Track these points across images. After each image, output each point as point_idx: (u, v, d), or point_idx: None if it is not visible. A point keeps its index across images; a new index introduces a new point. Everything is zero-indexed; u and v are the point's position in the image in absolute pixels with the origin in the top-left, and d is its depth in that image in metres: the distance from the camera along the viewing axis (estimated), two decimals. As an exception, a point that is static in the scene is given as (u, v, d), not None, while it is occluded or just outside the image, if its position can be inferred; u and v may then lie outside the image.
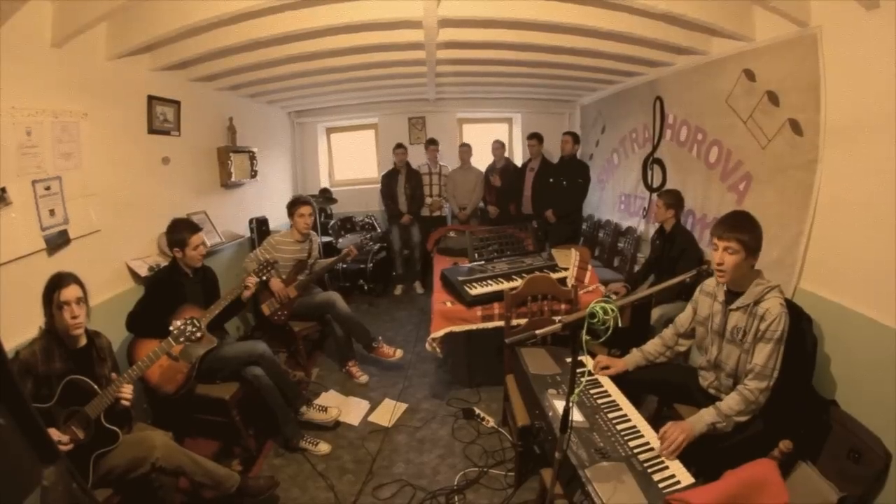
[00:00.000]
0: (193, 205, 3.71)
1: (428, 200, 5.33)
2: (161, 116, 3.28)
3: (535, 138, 5.00)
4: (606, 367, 2.13)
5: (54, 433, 1.64)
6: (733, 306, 1.86)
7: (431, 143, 5.41)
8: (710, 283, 2.03)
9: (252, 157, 4.59)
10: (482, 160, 5.47)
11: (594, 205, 5.57)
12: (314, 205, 3.64)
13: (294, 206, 3.44)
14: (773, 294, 1.78)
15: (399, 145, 5.19)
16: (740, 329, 1.84)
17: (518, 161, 6.02)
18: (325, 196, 5.83)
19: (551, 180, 4.77)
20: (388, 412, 3.04)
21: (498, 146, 5.31)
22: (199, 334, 2.27)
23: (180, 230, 2.56)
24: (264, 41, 2.92)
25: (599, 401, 1.88)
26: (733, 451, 1.67)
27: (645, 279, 3.54)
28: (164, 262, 2.93)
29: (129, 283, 2.92)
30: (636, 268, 3.95)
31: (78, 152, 2.53)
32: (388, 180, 5.20)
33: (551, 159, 5.14)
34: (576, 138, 4.81)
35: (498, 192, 5.22)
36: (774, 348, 1.73)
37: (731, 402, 1.74)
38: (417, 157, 5.58)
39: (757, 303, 1.79)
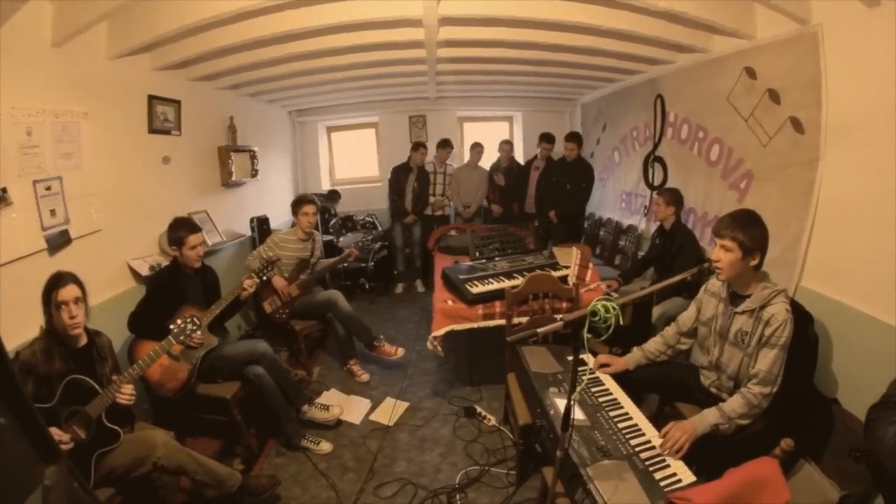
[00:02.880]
0: (194, 204, 3.71)
1: (431, 199, 5.29)
2: (161, 116, 3.28)
3: (545, 140, 4.89)
4: (607, 366, 2.12)
5: (55, 432, 1.64)
6: (739, 309, 1.84)
7: (446, 146, 5.21)
8: (715, 284, 2.01)
9: (253, 157, 4.59)
10: (484, 159, 5.43)
11: (595, 203, 5.55)
12: (318, 204, 3.65)
13: (298, 204, 3.47)
14: (780, 299, 1.75)
15: (422, 144, 5.02)
16: (745, 333, 1.81)
17: (520, 159, 6.00)
18: (331, 196, 5.82)
19: (555, 179, 4.75)
20: (389, 411, 3.04)
21: (506, 145, 5.22)
22: (199, 333, 2.27)
23: (179, 229, 2.57)
24: (264, 40, 2.92)
25: (601, 399, 1.88)
26: (735, 450, 1.66)
27: (638, 274, 3.53)
28: (165, 262, 2.93)
29: (130, 283, 2.93)
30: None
31: (78, 152, 2.53)
32: (399, 175, 5.05)
33: (556, 158, 5.11)
34: (579, 142, 4.71)
35: (502, 190, 5.20)
36: (779, 354, 1.71)
37: (734, 404, 1.73)
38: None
39: (763, 307, 1.76)
